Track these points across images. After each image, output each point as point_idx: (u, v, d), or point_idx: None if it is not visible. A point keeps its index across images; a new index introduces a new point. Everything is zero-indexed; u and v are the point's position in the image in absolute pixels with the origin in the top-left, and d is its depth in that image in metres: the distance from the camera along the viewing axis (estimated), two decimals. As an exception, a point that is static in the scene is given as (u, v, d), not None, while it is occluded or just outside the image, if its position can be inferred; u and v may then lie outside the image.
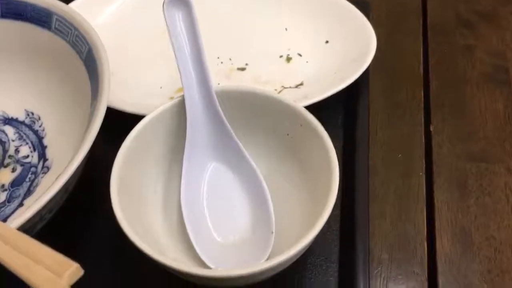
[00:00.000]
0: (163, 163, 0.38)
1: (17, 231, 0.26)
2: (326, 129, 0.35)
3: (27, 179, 0.40)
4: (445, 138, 0.45)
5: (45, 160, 0.41)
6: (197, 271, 0.29)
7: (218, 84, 0.46)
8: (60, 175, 0.31)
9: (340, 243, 0.39)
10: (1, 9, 0.41)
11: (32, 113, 0.43)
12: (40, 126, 0.43)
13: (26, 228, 0.29)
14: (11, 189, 0.40)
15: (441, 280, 0.37)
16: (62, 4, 0.40)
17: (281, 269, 0.32)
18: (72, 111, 0.40)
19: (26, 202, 0.39)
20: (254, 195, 0.38)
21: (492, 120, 0.46)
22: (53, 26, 0.40)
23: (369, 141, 0.44)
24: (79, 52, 0.39)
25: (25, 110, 0.44)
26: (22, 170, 0.41)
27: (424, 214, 0.41)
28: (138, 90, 0.46)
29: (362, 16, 0.49)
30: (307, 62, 0.49)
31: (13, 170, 0.41)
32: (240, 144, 0.38)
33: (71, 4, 0.47)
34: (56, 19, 0.40)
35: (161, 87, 0.47)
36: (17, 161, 0.41)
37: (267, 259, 0.34)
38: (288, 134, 0.38)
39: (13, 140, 0.43)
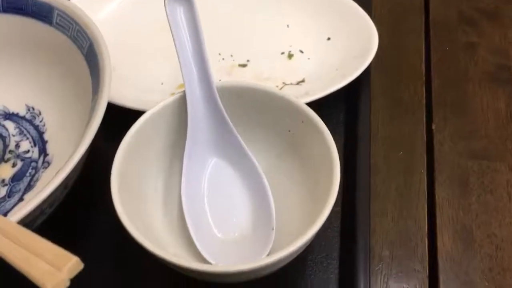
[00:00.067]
0: (163, 158, 0.38)
1: (17, 224, 0.26)
2: (328, 126, 0.35)
3: (28, 174, 0.40)
4: (447, 135, 0.45)
5: (46, 155, 0.41)
6: (197, 266, 0.29)
7: (220, 80, 0.46)
8: (60, 169, 0.31)
9: (341, 240, 0.39)
10: (2, 3, 0.41)
11: (33, 108, 0.43)
12: (40, 121, 0.43)
13: (26, 222, 0.29)
14: (12, 184, 0.40)
15: (442, 277, 0.37)
16: (64, -1, 0.40)
17: (281, 265, 0.32)
18: (73, 106, 0.40)
19: (26, 197, 0.39)
20: (255, 191, 0.38)
21: (494, 118, 0.46)
22: (54, 21, 0.40)
23: (370, 138, 0.44)
24: (80, 47, 0.39)
25: (26, 105, 0.44)
26: (23, 165, 0.41)
27: (425, 211, 0.41)
28: (139, 86, 0.46)
29: (364, 13, 0.49)
30: (308, 59, 0.49)
31: (14, 165, 0.41)
32: (241, 140, 0.38)
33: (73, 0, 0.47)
34: (57, 14, 0.39)
35: (162, 83, 0.47)
36: (18, 156, 0.41)
37: (268, 256, 0.34)
38: (289, 131, 0.38)
39: (13, 135, 0.42)
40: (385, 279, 0.37)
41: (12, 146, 0.42)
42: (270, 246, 0.35)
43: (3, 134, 0.43)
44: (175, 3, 0.35)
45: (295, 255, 0.32)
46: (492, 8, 0.54)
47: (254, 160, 0.38)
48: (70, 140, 0.38)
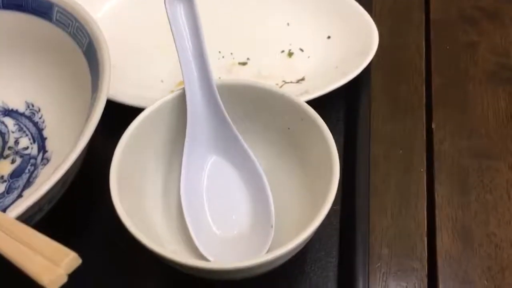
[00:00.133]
0: (163, 156, 0.38)
1: (14, 220, 0.26)
2: (327, 124, 0.35)
3: (27, 171, 0.40)
4: (447, 134, 0.45)
5: (45, 151, 0.41)
6: (196, 263, 0.29)
7: (219, 78, 0.46)
8: (59, 166, 0.31)
9: (340, 238, 0.39)
10: (2, 0, 0.41)
11: (32, 105, 0.43)
12: (40, 118, 0.43)
13: (25, 219, 0.29)
14: (11, 181, 0.40)
15: (441, 276, 0.37)
16: (64, -4, 0.40)
17: (280, 263, 0.32)
18: (72, 103, 0.40)
19: (25, 193, 0.39)
20: (254, 189, 0.38)
21: (494, 117, 0.46)
22: (54, 18, 0.40)
23: (370, 136, 0.43)
24: (79, 44, 0.39)
25: (25, 101, 0.43)
26: (22, 162, 0.41)
27: (425, 210, 0.40)
28: (138, 84, 0.46)
29: (364, 12, 0.49)
30: (308, 57, 0.49)
31: (13, 161, 0.41)
32: (241, 138, 0.38)
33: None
34: (57, 10, 0.39)
35: (162, 81, 0.47)
36: (17, 153, 0.41)
37: (266, 253, 0.34)
38: (289, 128, 0.38)
39: (13, 132, 0.42)
40: (384, 278, 0.37)
41: (11, 142, 0.42)
42: (269, 243, 0.35)
43: (2, 131, 0.43)
44: (175, 1, 0.35)
45: (294, 253, 0.32)
46: (492, 7, 0.54)
47: (254, 158, 0.38)
48: (70, 137, 0.38)
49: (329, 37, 0.50)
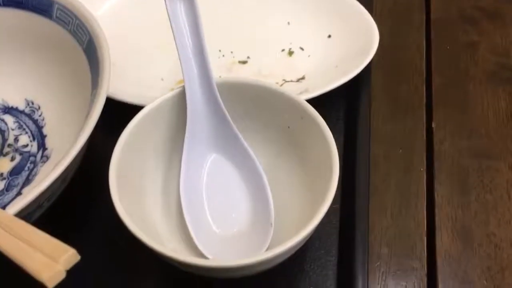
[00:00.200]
0: (162, 154, 0.38)
1: (13, 216, 0.26)
2: (327, 123, 0.35)
3: (26, 168, 0.40)
4: (447, 134, 0.45)
5: (45, 149, 0.41)
6: (195, 261, 0.29)
7: (220, 77, 0.46)
8: (58, 163, 0.31)
9: (340, 237, 0.38)
10: (2, -3, 0.41)
11: (32, 103, 0.43)
12: (40, 116, 0.43)
13: (24, 216, 0.29)
14: (10, 178, 0.40)
15: (440, 275, 0.37)
16: (64, -7, 0.40)
17: (279, 261, 0.32)
18: (72, 100, 0.40)
19: (24, 191, 0.39)
20: (254, 187, 0.37)
21: (494, 117, 0.46)
22: (54, 15, 0.40)
23: (370, 135, 0.43)
24: (79, 41, 0.38)
25: (25, 99, 0.43)
26: (21, 159, 0.41)
27: (425, 209, 0.40)
28: (139, 82, 0.46)
29: (365, 11, 0.49)
30: (309, 56, 0.49)
31: (12, 159, 0.41)
32: (241, 136, 0.38)
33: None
34: (57, 8, 0.39)
35: (162, 79, 0.47)
36: (16, 150, 0.41)
37: (266, 251, 0.34)
38: (288, 127, 0.38)
39: (12, 129, 0.42)
40: (383, 277, 0.37)
41: (11, 140, 0.42)
42: (268, 242, 0.35)
43: (2, 128, 0.42)
44: (176, -1, 0.35)
45: (293, 251, 0.32)
46: (493, 7, 0.54)
47: (253, 156, 0.38)
48: (69, 134, 0.38)
49: (329, 36, 0.50)
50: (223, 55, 0.49)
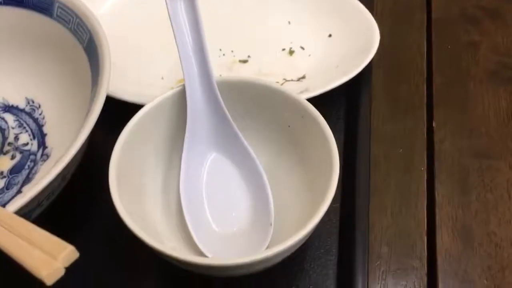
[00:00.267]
0: (162, 152, 0.38)
1: (12, 214, 0.26)
2: (328, 122, 0.35)
3: (26, 167, 0.40)
4: (447, 133, 0.45)
5: (45, 148, 0.41)
6: (194, 259, 0.29)
7: (220, 75, 0.46)
8: (58, 161, 0.31)
9: (340, 236, 0.38)
10: (3, -4, 0.41)
11: (33, 101, 0.43)
12: (40, 114, 0.43)
13: (23, 214, 0.29)
14: (10, 176, 0.40)
15: (441, 275, 0.37)
16: (64, -8, 0.40)
17: (279, 260, 0.32)
18: (72, 99, 0.40)
19: (24, 189, 0.39)
20: (254, 186, 0.37)
21: (495, 117, 0.46)
22: (54, 14, 0.40)
23: (370, 135, 0.43)
24: (80, 40, 0.38)
25: (26, 98, 0.43)
26: (21, 158, 0.41)
27: (425, 209, 0.40)
28: (139, 81, 0.46)
29: (365, 10, 0.49)
30: (309, 55, 0.49)
31: (13, 157, 0.41)
32: (241, 135, 0.38)
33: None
34: (58, 6, 0.39)
35: (162, 78, 0.47)
36: (17, 149, 0.41)
37: (265, 250, 0.34)
38: (289, 126, 0.38)
39: (13, 128, 0.42)
40: (384, 276, 0.37)
41: (11, 138, 0.42)
42: (268, 241, 0.35)
43: (3, 127, 0.43)
44: (176, -3, 0.35)
45: (292, 250, 0.32)
46: (494, 7, 0.54)
47: (254, 155, 0.38)
48: (70, 133, 0.38)
49: (330, 36, 0.50)
50: (224, 54, 0.49)
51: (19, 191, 0.39)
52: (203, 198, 0.38)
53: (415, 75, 0.49)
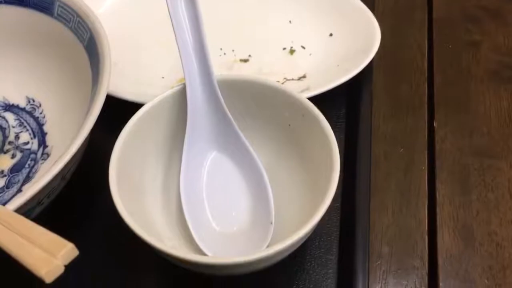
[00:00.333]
0: (163, 151, 0.38)
1: (12, 212, 0.26)
2: (329, 122, 0.35)
3: (27, 166, 0.40)
4: (448, 133, 0.45)
5: (45, 146, 0.41)
6: (194, 258, 0.29)
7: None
8: (58, 159, 0.31)
9: (340, 235, 0.38)
10: (3, -6, 0.41)
11: (33, 100, 0.43)
12: (40, 113, 0.43)
13: (23, 212, 0.29)
14: (10, 175, 0.40)
15: (441, 274, 0.37)
16: (64, -9, 0.40)
17: (279, 259, 0.32)
18: (73, 98, 0.40)
19: (25, 188, 0.39)
20: (254, 185, 0.37)
21: (496, 116, 0.46)
22: (55, 13, 0.40)
23: (371, 134, 0.43)
24: (80, 39, 0.38)
25: (26, 97, 0.43)
26: (22, 157, 0.41)
27: (426, 208, 0.40)
28: (139, 80, 0.46)
29: (366, 10, 0.49)
30: (310, 54, 0.49)
31: (13, 156, 0.41)
32: (241, 134, 0.38)
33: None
34: (59, 5, 0.39)
35: (162, 77, 0.47)
36: (17, 148, 0.41)
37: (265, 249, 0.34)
38: (289, 125, 0.38)
39: (13, 127, 0.42)
40: (384, 276, 0.37)
41: (11, 137, 0.42)
42: (269, 240, 0.35)
43: (3, 126, 0.43)
44: (176, -6, 0.35)
45: (293, 249, 0.32)
46: (495, 6, 0.54)
47: (254, 154, 0.38)
48: (70, 132, 0.38)
49: (331, 35, 0.50)
50: (225, 53, 0.49)
51: (19, 190, 0.39)
52: (203, 197, 0.38)
53: (416, 75, 0.49)
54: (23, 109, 0.43)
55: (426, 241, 0.39)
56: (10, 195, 0.38)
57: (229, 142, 0.38)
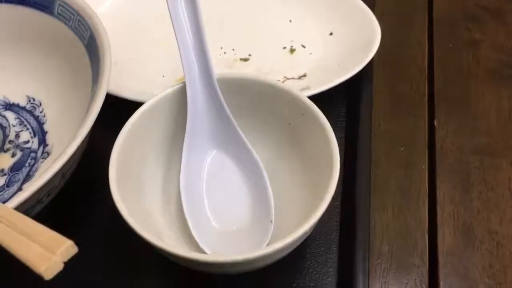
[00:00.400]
0: (162, 149, 0.38)
1: (11, 209, 0.26)
2: (329, 120, 0.35)
3: (27, 164, 0.40)
4: (449, 131, 0.45)
5: (45, 145, 0.41)
6: (194, 256, 0.29)
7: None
8: (58, 158, 0.31)
9: (340, 234, 0.38)
10: (4, -7, 0.41)
11: (33, 99, 0.43)
12: (41, 112, 0.43)
13: (23, 210, 0.29)
14: (11, 174, 0.40)
15: (442, 273, 0.37)
16: (64, -11, 0.40)
17: (278, 257, 0.32)
18: (73, 97, 0.40)
19: (25, 186, 0.39)
20: (254, 183, 0.37)
21: (496, 115, 0.46)
22: (55, 11, 0.40)
23: (371, 133, 0.43)
24: (81, 37, 0.39)
25: (27, 95, 0.44)
26: (22, 155, 0.41)
27: (426, 207, 0.40)
28: (140, 79, 0.46)
29: (367, 9, 0.49)
30: (310, 53, 0.49)
31: (13, 155, 0.41)
32: (241, 133, 0.38)
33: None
34: (59, 4, 0.39)
35: (163, 76, 0.47)
36: (17, 146, 0.41)
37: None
38: (289, 124, 0.38)
39: (13, 126, 0.42)
40: (384, 274, 0.37)
41: (12, 136, 0.42)
42: (268, 238, 0.35)
43: (3, 125, 0.43)
44: (176, -8, 0.35)
45: (292, 247, 0.32)
46: (495, 6, 0.54)
47: (254, 153, 0.38)
48: (70, 131, 0.38)
49: (331, 34, 0.50)
50: (225, 52, 0.49)
51: (19, 189, 0.39)
52: (203, 196, 0.38)
53: (416, 73, 0.49)
54: (24, 108, 0.43)
55: (427, 240, 0.39)
56: (10, 194, 0.38)
57: (229, 141, 0.38)
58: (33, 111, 0.43)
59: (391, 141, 0.44)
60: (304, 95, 0.36)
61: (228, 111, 0.37)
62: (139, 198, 0.35)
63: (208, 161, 0.39)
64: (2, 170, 0.40)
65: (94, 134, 0.36)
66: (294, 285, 0.36)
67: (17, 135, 0.42)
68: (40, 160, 0.40)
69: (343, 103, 0.46)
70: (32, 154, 0.41)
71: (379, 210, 0.40)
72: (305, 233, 0.30)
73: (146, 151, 0.37)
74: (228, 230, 0.36)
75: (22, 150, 0.41)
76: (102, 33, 0.37)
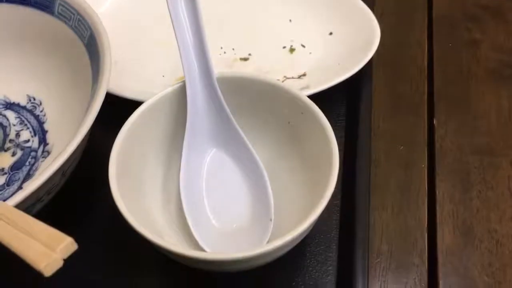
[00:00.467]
0: (162, 148, 0.38)
1: (11, 207, 0.26)
2: (329, 120, 0.35)
3: (27, 163, 0.40)
4: (448, 131, 0.45)
5: (46, 144, 0.41)
6: (193, 254, 0.29)
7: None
8: (58, 156, 0.31)
9: (340, 233, 0.38)
10: (4, -7, 0.41)
11: (34, 98, 0.43)
12: (41, 111, 0.43)
13: (24, 209, 0.29)
14: (11, 173, 0.40)
15: (441, 272, 0.37)
16: (65, -11, 0.40)
17: (278, 255, 0.32)
18: (73, 96, 0.40)
19: (25, 185, 0.39)
20: (254, 182, 0.37)
21: (496, 114, 0.46)
22: (56, 11, 0.40)
23: (371, 132, 0.43)
24: (81, 37, 0.39)
25: (27, 95, 0.44)
26: (22, 154, 0.41)
27: (426, 206, 0.40)
28: (140, 79, 0.46)
29: (366, 8, 0.49)
30: (310, 53, 0.49)
31: (13, 154, 0.41)
32: (241, 131, 0.38)
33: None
34: (59, 3, 0.40)
35: (163, 75, 0.47)
36: (18, 145, 0.41)
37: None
38: (289, 122, 0.38)
39: (14, 125, 0.43)
40: (384, 273, 0.37)
41: (12, 135, 0.42)
42: (268, 237, 0.35)
43: (4, 124, 0.43)
44: (176, -9, 0.35)
45: (292, 245, 0.32)
46: (495, 5, 0.54)
47: (254, 152, 0.38)
48: (70, 129, 0.38)
49: (331, 33, 0.50)
50: (225, 52, 0.49)
51: (19, 188, 0.39)
52: (203, 194, 0.38)
53: (416, 73, 0.49)
54: (24, 107, 0.43)
55: (426, 239, 0.39)
56: (11, 193, 0.38)
57: (229, 140, 0.38)
58: (33, 110, 0.43)
59: (391, 140, 0.44)
60: (304, 94, 0.36)
61: (228, 111, 0.37)
62: (139, 196, 0.35)
63: (208, 160, 0.39)
64: (3, 169, 0.40)
65: (94, 133, 0.36)
66: (294, 283, 0.36)
67: (18, 134, 0.42)
68: (40, 159, 0.40)
69: (343, 102, 0.46)
70: (32, 153, 0.41)
71: (379, 209, 0.40)
72: (304, 231, 0.30)
73: (146, 150, 0.37)
74: (228, 229, 0.36)
75: (22, 149, 0.41)
76: (102, 33, 0.37)
